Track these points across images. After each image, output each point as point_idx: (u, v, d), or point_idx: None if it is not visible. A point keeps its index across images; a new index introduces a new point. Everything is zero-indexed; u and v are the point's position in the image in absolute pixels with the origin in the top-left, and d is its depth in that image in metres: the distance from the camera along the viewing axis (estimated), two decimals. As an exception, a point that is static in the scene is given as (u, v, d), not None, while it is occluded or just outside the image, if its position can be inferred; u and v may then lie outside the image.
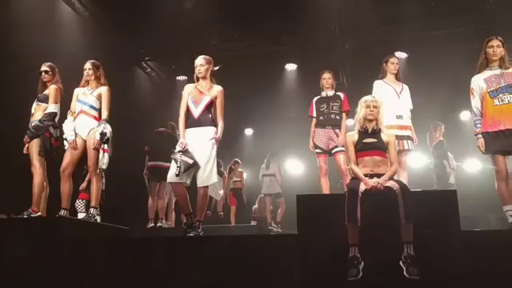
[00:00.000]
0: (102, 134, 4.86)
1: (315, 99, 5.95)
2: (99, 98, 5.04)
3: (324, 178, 5.72)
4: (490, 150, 4.47)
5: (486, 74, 4.57)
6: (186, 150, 4.54)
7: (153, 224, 7.06)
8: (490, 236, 4.14)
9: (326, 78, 5.92)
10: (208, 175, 4.60)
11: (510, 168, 4.57)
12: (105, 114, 4.99)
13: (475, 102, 4.61)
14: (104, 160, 5.65)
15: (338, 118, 5.75)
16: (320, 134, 5.73)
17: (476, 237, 4.03)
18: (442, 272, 3.57)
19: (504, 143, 4.39)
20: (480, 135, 4.52)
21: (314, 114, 5.86)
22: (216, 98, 4.75)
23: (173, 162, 4.53)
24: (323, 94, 5.93)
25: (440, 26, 8.77)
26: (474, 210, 7.79)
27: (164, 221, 7.26)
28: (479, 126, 4.55)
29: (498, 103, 4.44)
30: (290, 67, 10.46)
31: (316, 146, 5.73)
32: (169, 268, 4.11)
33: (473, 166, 10.63)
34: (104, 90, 5.07)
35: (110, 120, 4.98)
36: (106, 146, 5.10)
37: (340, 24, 9.17)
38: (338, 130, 5.68)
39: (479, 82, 4.58)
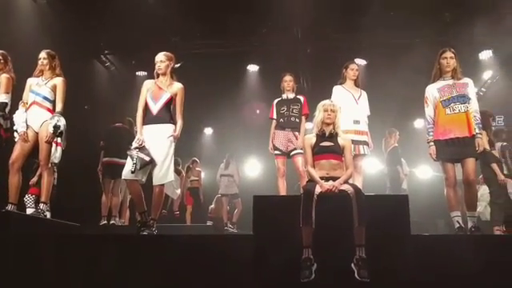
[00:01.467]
0: (56, 127, 4.71)
1: (276, 101, 5.98)
2: (54, 89, 4.88)
3: (281, 180, 5.76)
4: (441, 158, 4.63)
5: (440, 83, 4.74)
6: (143, 146, 4.46)
7: (105, 221, 6.89)
8: (437, 240, 4.28)
9: (287, 80, 5.96)
10: (164, 173, 4.53)
11: (458, 175, 4.76)
12: (59, 107, 4.84)
13: (429, 111, 4.77)
14: (56, 154, 5.44)
15: (297, 120, 5.81)
16: (280, 135, 5.76)
17: (425, 241, 4.14)
18: (392, 275, 3.65)
19: (454, 151, 4.56)
20: (432, 143, 4.68)
21: (274, 116, 5.90)
22: (176, 95, 4.69)
23: (129, 158, 4.43)
24: (284, 96, 5.97)
25: (398, 36, 9.02)
26: (423, 215, 8.05)
27: (117, 218, 7.11)
28: (431, 133, 4.70)
29: (449, 112, 4.61)
30: (253, 68, 10.49)
31: (275, 148, 5.76)
32: (121, 267, 4.01)
33: (424, 173, 10.98)
34: (59, 81, 4.90)
35: (65, 113, 4.82)
36: (59, 140, 4.92)
37: (303, 28, 9.26)
38: (297, 133, 5.73)
39: (433, 91, 4.74)
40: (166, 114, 4.65)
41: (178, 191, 9.69)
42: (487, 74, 10.03)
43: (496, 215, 6.31)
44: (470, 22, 7.95)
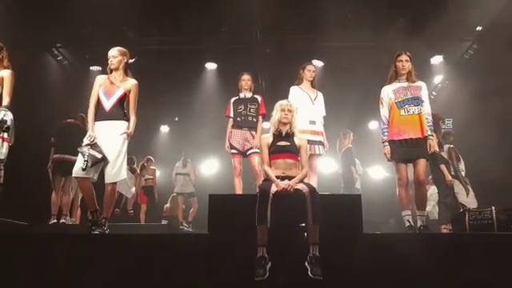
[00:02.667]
0: (2, 122, 4.49)
1: (233, 100, 5.98)
2: (1, 82, 4.66)
3: (238, 179, 5.75)
4: (394, 158, 4.76)
5: (395, 85, 4.87)
6: (95, 143, 4.35)
7: (55, 220, 6.66)
8: (389, 239, 4.37)
9: (246, 79, 5.97)
10: (117, 171, 4.43)
11: (410, 176, 4.91)
12: (6, 100, 4.61)
13: (384, 111, 4.89)
14: (3, 150, 5.17)
15: (254, 120, 5.82)
16: (236, 134, 5.76)
17: (376, 239, 4.23)
18: (345, 272, 3.71)
19: (407, 152, 4.70)
20: (386, 143, 4.79)
21: (231, 115, 5.89)
22: (130, 91, 4.60)
23: (79, 155, 4.31)
24: (241, 95, 5.97)
25: (354, 39, 9.19)
26: (375, 214, 8.24)
27: (68, 217, 6.89)
28: (386, 134, 4.83)
29: (403, 113, 4.74)
30: (210, 66, 10.41)
31: (232, 147, 5.75)
32: (72, 267, 3.88)
33: (377, 173, 11.27)
34: (7, 74, 4.68)
35: (12, 107, 4.62)
36: (5, 135, 4.69)
37: (262, 28, 9.28)
38: (254, 132, 5.75)
39: (388, 92, 4.87)
40: (119, 111, 4.56)
41: (133, 190, 9.55)
42: (438, 79, 10.40)
43: (443, 214, 6.55)
44: (423, 28, 8.22)
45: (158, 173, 10.54)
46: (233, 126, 5.83)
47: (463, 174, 6.82)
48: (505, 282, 3.69)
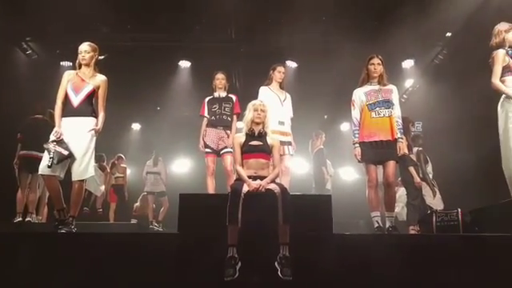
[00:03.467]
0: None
1: (207, 99, 5.95)
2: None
3: (210, 178, 5.72)
4: (364, 159, 4.82)
5: (367, 88, 4.93)
6: (61, 140, 4.27)
7: (21, 218, 6.49)
8: (358, 239, 4.41)
9: (220, 78, 5.95)
10: (84, 168, 4.36)
11: (379, 177, 4.98)
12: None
13: (355, 113, 4.95)
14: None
15: (229, 119, 5.81)
16: (211, 133, 5.73)
17: (346, 240, 4.27)
18: (314, 273, 3.73)
19: (377, 154, 4.76)
20: (357, 144, 4.85)
21: (206, 114, 5.85)
22: (99, 87, 4.54)
23: (45, 152, 4.21)
24: (215, 94, 5.95)
25: (328, 41, 9.26)
26: (346, 215, 8.33)
27: (34, 215, 6.72)
28: (357, 135, 4.88)
29: (374, 116, 4.81)
30: (184, 64, 10.32)
31: (206, 146, 5.72)
32: (38, 267, 3.78)
33: (348, 174, 11.40)
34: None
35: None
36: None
37: (237, 28, 9.26)
38: (228, 131, 5.74)
39: (360, 94, 4.93)
40: (88, 107, 4.49)
41: (102, 188, 9.40)
42: (409, 82, 10.58)
43: (411, 216, 6.67)
44: (396, 32, 8.34)
45: (128, 171, 10.40)
46: (207, 125, 5.80)
47: (431, 176, 6.98)
48: (469, 282, 3.77)
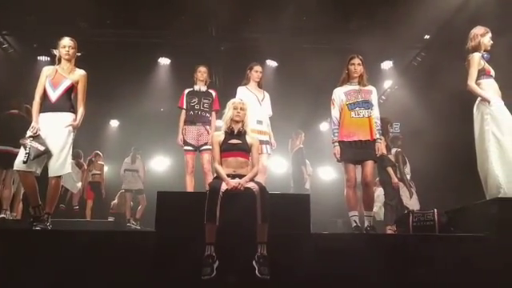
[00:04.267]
0: None
1: (186, 91, 5.91)
2: None
3: (190, 176, 5.68)
4: (344, 159, 4.84)
5: (347, 88, 4.97)
6: (38, 135, 4.20)
7: (-5, 215, 6.35)
8: (336, 238, 4.44)
9: (202, 71, 5.92)
10: (61, 164, 4.28)
11: (358, 177, 5.02)
12: None
13: (335, 112, 4.97)
14: None
15: (208, 115, 5.78)
16: (191, 131, 5.69)
17: (324, 239, 4.29)
18: (292, 271, 3.74)
19: (356, 153, 4.80)
20: (337, 143, 4.87)
21: (184, 106, 5.81)
22: (78, 82, 4.47)
23: (22, 147, 4.13)
24: (196, 87, 5.91)
25: (308, 41, 9.31)
26: (324, 215, 8.39)
27: (8, 212, 6.57)
28: (336, 134, 4.90)
29: (354, 116, 4.84)
30: (164, 61, 10.24)
31: (186, 143, 5.67)
32: (12, 264, 3.72)
33: (327, 174, 11.48)
34: None
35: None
36: None
37: (217, 26, 9.23)
38: (208, 127, 5.70)
39: (340, 94, 4.96)
40: (66, 102, 4.42)
41: (79, 185, 9.27)
42: (387, 83, 10.71)
43: (389, 215, 6.74)
44: (375, 33, 8.43)
45: (105, 168, 10.29)
46: (186, 122, 5.75)
47: (408, 177, 7.07)
48: (445, 281, 3.83)
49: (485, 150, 4.61)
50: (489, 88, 4.71)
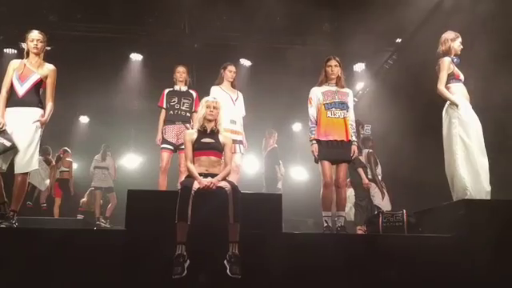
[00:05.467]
0: None
1: (166, 91, 5.85)
2: None
3: (163, 175, 5.62)
4: (321, 158, 4.87)
5: (324, 88, 5.01)
6: (4, 130, 4.10)
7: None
8: (307, 238, 4.48)
9: (180, 71, 5.87)
10: (28, 161, 4.17)
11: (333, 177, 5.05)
12: None
13: (312, 111, 4.99)
14: None
15: (188, 115, 5.73)
16: (170, 130, 5.64)
17: (295, 238, 4.32)
18: (263, 270, 3.74)
19: (332, 153, 4.83)
20: (314, 141, 4.89)
21: (164, 105, 5.75)
22: (47, 77, 4.37)
23: (-14, 143, 4.00)
24: (176, 87, 5.87)
25: (282, 41, 9.34)
26: (295, 214, 8.44)
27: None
28: (314, 132, 4.93)
29: (330, 115, 4.89)
30: (136, 57, 10.08)
31: (165, 141, 5.60)
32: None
33: (299, 174, 11.54)
34: None
35: None
36: None
37: (191, 23, 9.15)
38: (188, 125, 5.64)
39: (317, 93, 4.99)
40: (34, 97, 4.32)
41: (47, 182, 9.07)
42: (359, 85, 10.84)
43: (359, 216, 6.83)
44: (347, 35, 8.52)
45: (74, 165, 10.07)
46: (165, 122, 5.69)
47: (380, 177, 7.17)
48: (412, 280, 3.91)
49: (452, 153, 4.72)
50: (458, 92, 4.83)
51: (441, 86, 4.83)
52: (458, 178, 4.65)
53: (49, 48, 4.55)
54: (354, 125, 5.00)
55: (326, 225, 4.82)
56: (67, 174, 9.42)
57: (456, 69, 4.90)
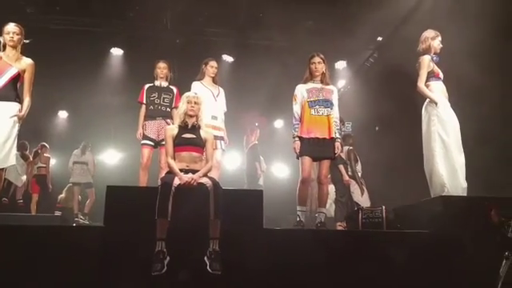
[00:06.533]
0: None
1: (146, 86, 5.80)
2: None
3: (143, 171, 5.56)
4: (302, 154, 4.88)
5: (309, 85, 5.03)
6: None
7: None
8: (287, 234, 4.49)
9: (161, 67, 5.81)
10: (5, 156, 4.10)
11: (313, 174, 5.08)
12: None
13: (296, 108, 5.01)
14: None
15: (168, 110, 5.69)
16: (151, 125, 5.59)
17: (276, 235, 4.33)
18: (244, 267, 3.74)
19: (313, 150, 4.86)
20: (297, 138, 4.91)
21: (144, 101, 5.70)
22: (24, 71, 4.29)
23: (-39, 138, 3.91)
24: (156, 82, 5.81)
25: (264, 37, 9.32)
26: (276, 211, 8.45)
27: None
28: (297, 129, 4.95)
29: (314, 113, 4.90)
30: (116, 52, 9.95)
31: (145, 137, 5.55)
32: None
33: (280, 171, 11.57)
34: None
35: None
36: None
37: (173, 18, 9.07)
38: (169, 120, 5.59)
39: (302, 90, 5.01)
40: (11, 92, 4.25)
41: (24, 178, 8.90)
42: (341, 83, 10.90)
43: (339, 212, 6.89)
44: (329, 33, 8.55)
45: (53, 161, 9.91)
46: (146, 117, 5.63)
47: (360, 174, 7.23)
48: (390, 275, 3.96)
49: (431, 150, 4.79)
50: (437, 90, 4.90)
51: (421, 84, 4.90)
52: (436, 174, 4.73)
53: (27, 41, 4.47)
54: (338, 122, 5.03)
55: (298, 219, 4.85)
56: (45, 170, 9.26)
57: (436, 67, 4.97)
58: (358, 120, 9.01)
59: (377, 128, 9.58)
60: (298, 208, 4.90)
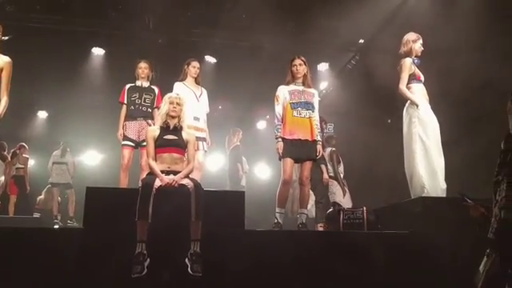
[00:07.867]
0: None
1: (128, 86, 5.74)
2: None
3: (124, 172, 5.50)
4: (283, 155, 4.88)
5: (291, 87, 5.04)
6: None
7: None
8: (269, 235, 4.50)
9: (143, 67, 5.76)
10: (-19, 157, 4.00)
11: (294, 176, 5.08)
12: None
13: (278, 109, 5.00)
14: None
15: (149, 110, 5.64)
16: (131, 126, 5.53)
17: (257, 236, 4.33)
18: (225, 268, 3.73)
19: (295, 152, 4.86)
20: (280, 139, 4.90)
21: (125, 101, 5.64)
22: (2, 69, 4.20)
23: None
24: (138, 83, 5.75)
25: (247, 39, 9.32)
26: (258, 212, 8.44)
27: None
28: (280, 130, 4.94)
29: (296, 115, 4.91)
30: (98, 51, 9.83)
31: (126, 138, 5.48)
32: None
33: (263, 172, 11.57)
34: None
35: None
36: None
37: (155, 17, 9.01)
38: (150, 121, 5.54)
39: (284, 92, 5.01)
40: None
41: (2, 179, 8.70)
42: (323, 85, 10.96)
43: (320, 213, 6.90)
44: (312, 35, 8.58)
45: (31, 162, 9.74)
46: (126, 118, 5.57)
47: (342, 175, 7.27)
48: (371, 275, 3.99)
49: (411, 151, 4.85)
50: (418, 92, 4.96)
51: (402, 86, 4.95)
52: (416, 175, 4.78)
53: (6, 38, 4.37)
54: (319, 125, 5.06)
55: (276, 221, 4.85)
56: (22, 171, 9.11)
57: (417, 70, 5.03)
58: (340, 121, 9.06)
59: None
60: (277, 210, 4.90)
